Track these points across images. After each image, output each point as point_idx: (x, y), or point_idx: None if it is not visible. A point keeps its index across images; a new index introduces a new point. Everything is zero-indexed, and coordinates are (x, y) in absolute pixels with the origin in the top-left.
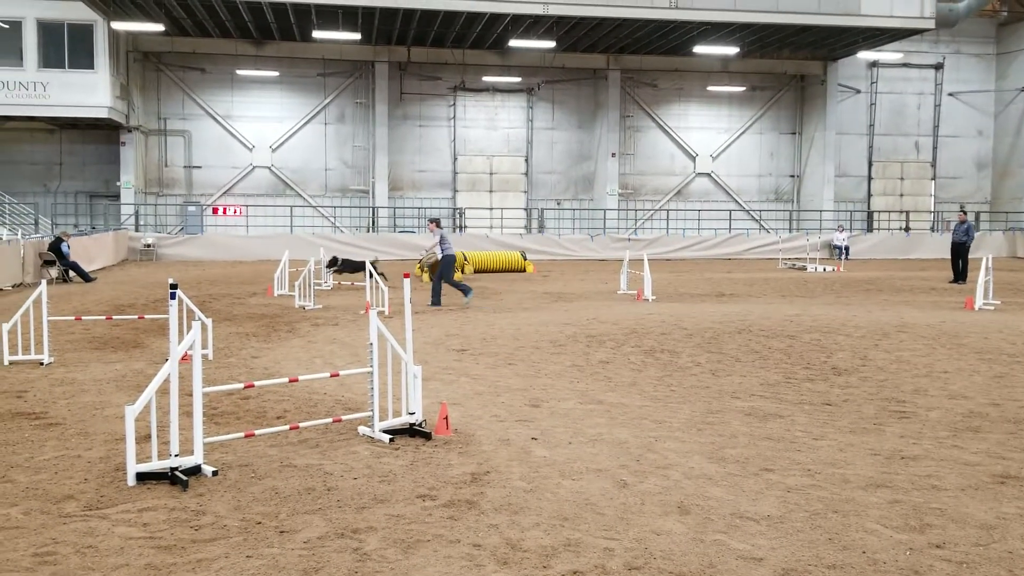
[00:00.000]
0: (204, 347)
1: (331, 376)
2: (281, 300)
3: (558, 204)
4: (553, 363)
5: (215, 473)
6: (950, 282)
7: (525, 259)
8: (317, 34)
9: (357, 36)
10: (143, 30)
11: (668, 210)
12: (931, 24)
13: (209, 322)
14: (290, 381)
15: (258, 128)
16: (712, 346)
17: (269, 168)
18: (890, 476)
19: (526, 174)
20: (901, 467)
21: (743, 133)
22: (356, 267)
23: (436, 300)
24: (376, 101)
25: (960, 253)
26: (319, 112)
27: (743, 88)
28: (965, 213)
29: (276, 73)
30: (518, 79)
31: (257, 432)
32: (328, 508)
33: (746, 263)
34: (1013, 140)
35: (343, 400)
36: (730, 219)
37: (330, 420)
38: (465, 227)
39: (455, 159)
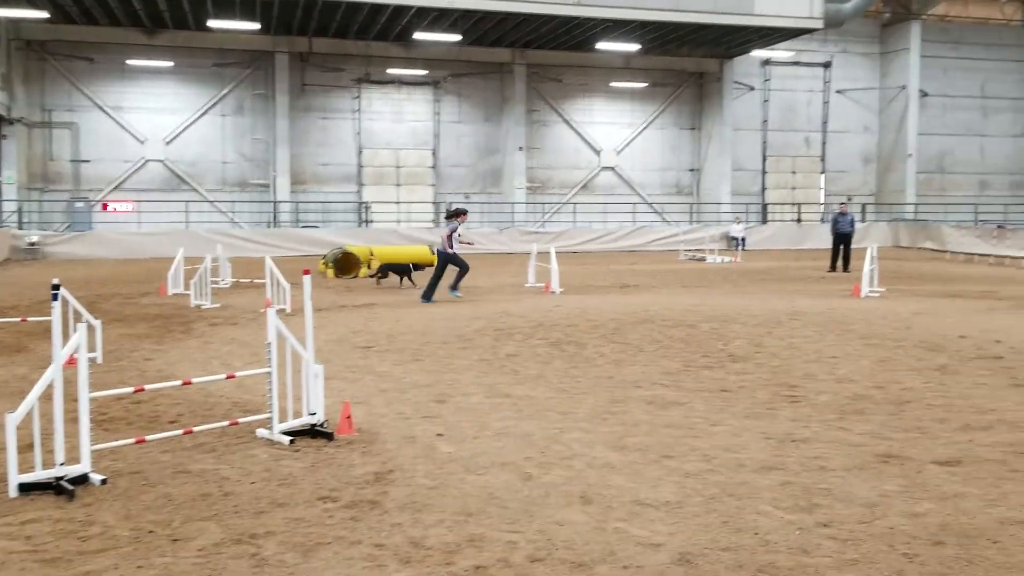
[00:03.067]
0: (92, 350)
1: (228, 377)
2: (176, 299)
3: (466, 197)
4: (460, 358)
5: (104, 481)
6: (828, 271)
7: (433, 253)
8: (213, 23)
9: (256, 26)
10: (25, 17)
11: (575, 203)
12: (820, 24)
13: (98, 324)
14: (184, 384)
15: (151, 120)
16: (616, 337)
17: (163, 162)
18: (782, 459)
19: (433, 167)
20: (792, 450)
21: (646, 128)
22: (401, 270)
23: (428, 293)
24: (276, 92)
25: (844, 243)
26: (216, 104)
27: (645, 84)
28: (846, 204)
29: (170, 63)
30: (424, 72)
31: (149, 438)
32: (224, 514)
33: (650, 255)
34: (896, 136)
35: (241, 402)
36: (634, 212)
37: (227, 423)
38: (371, 221)
39: (360, 152)
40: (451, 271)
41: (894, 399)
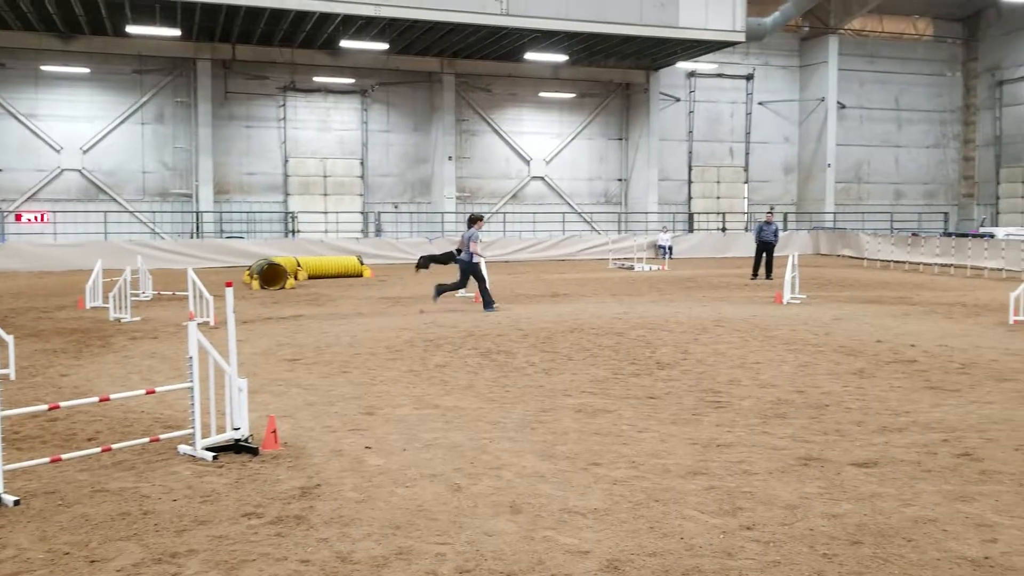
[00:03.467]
0: (4, 366)
1: (148, 393)
2: (94, 313)
3: (395, 207)
4: (389, 369)
5: (17, 503)
6: (751, 279)
7: (362, 264)
8: (131, 29)
9: (177, 32)
10: None
11: (505, 213)
12: (742, 37)
13: (10, 339)
14: (101, 400)
15: (67, 128)
16: (546, 346)
17: (80, 171)
18: (706, 463)
19: (362, 177)
20: (716, 454)
21: (574, 138)
22: (443, 259)
23: (489, 301)
24: (199, 100)
25: (767, 251)
26: (135, 111)
27: (573, 95)
28: (771, 214)
29: (87, 70)
30: (351, 80)
31: (65, 456)
32: (144, 533)
33: (579, 264)
34: (815, 146)
35: (162, 418)
36: (564, 221)
37: (147, 440)
38: (298, 232)
39: (286, 161)
40: (445, 272)
41: (814, 403)
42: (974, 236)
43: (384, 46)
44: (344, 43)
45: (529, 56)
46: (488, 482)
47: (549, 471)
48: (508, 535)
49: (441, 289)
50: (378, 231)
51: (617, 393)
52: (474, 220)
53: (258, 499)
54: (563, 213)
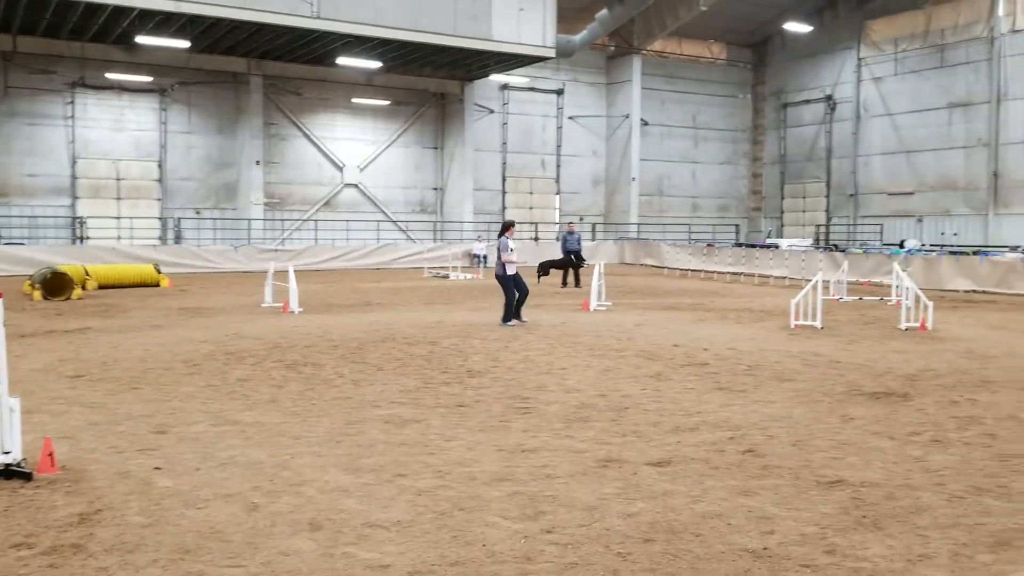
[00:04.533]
0: None
1: None
2: None
3: (197, 213)
4: (185, 384)
5: None
6: (561, 287)
7: (159, 272)
8: None
9: None
10: None
11: (316, 220)
12: (552, 53)
13: None
14: None
15: None
16: (356, 356)
17: None
18: (512, 469)
19: (160, 180)
20: (522, 460)
21: (390, 146)
22: (562, 264)
23: (516, 313)
24: None
25: (573, 260)
26: None
27: (388, 102)
28: (574, 224)
29: None
30: (149, 78)
31: None
32: None
33: (394, 273)
34: (621, 161)
35: None
36: (378, 230)
37: None
38: (87, 238)
39: (74, 162)
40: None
41: (615, 406)
42: (761, 247)
43: (186, 44)
44: (141, 39)
45: (342, 61)
46: (288, 499)
47: (353, 485)
48: (306, 553)
49: (512, 312)
50: (178, 238)
51: (427, 403)
52: (507, 227)
53: (30, 528)
54: (378, 221)
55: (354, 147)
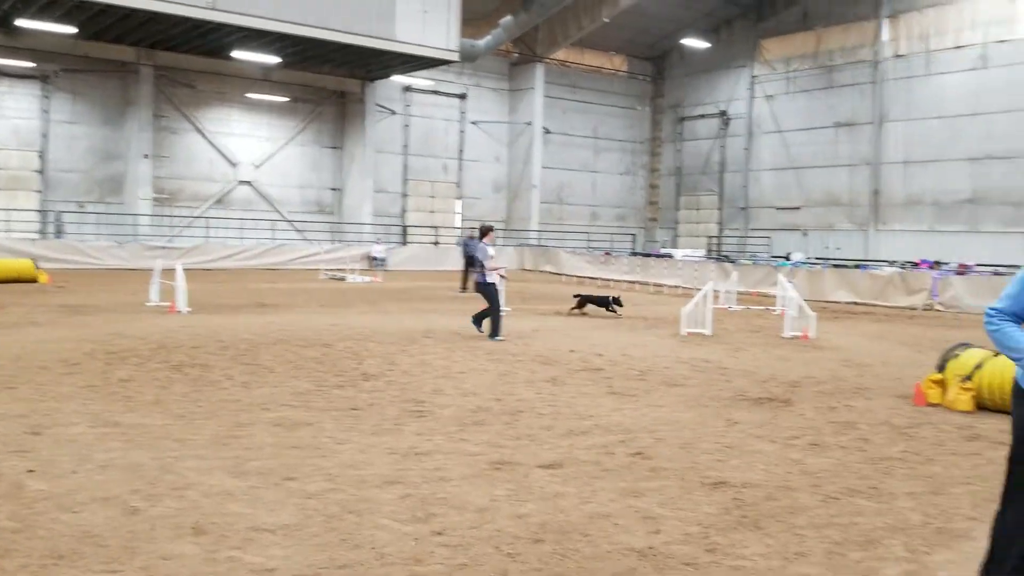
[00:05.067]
0: None
1: None
2: None
3: (81, 207)
4: (63, 385)
5: None
6: (460, 291)
7: (38, 268)
8: None
9: None
10: None
11: (208, 218)
12: (455, 57)
13: None
14: None
15: None
16: (247, 358)
17: None
18: (403, 472)
19: (40, 172)
20: (414, 463)
21: (287, 144)
22: (601, 302)
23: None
24: None
25: (473, 265)
26: None
27: (286, 99)
28: (473, 230)
29: None
30: (31, 64)
31: None
32: None
33: (290, 274)
34: (522, 167)
35: None
36: (273, 229)
37: None
38: None
39: None
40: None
41: (510, 409)
42: (657, 256)
43: (72, 29)
44: (22, 22)
45: (238, 54)
46: (170, 503)
47: (239, 488)
48: (188, 558)
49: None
50: (59, 232)
51: (319, 406)
52: (485, 232)
53: None
54: (273, 221)
55: (249, 144)
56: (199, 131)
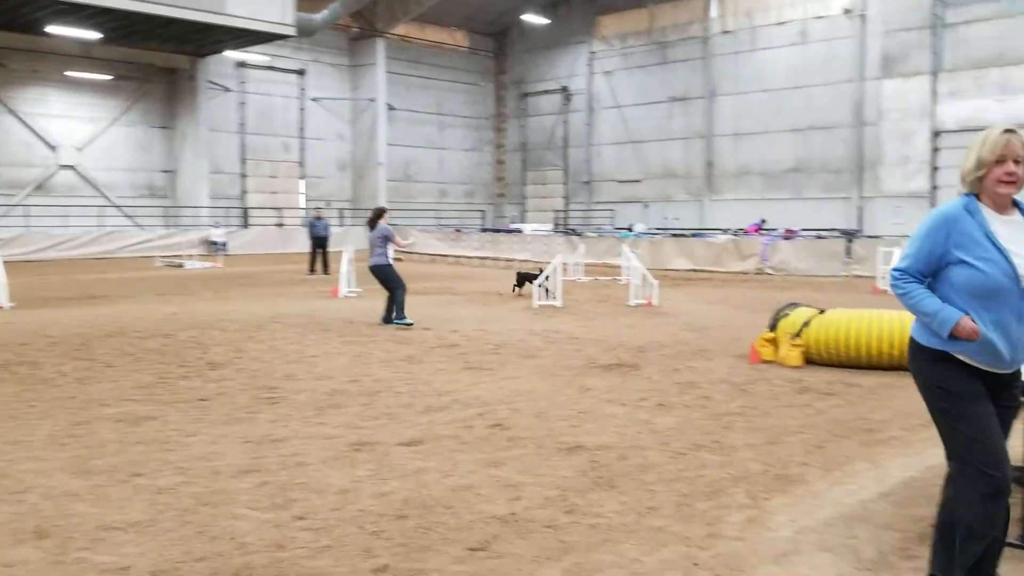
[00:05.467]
0: None
1: None
2: None
3: None
4: None
5: None
6: (308, 274)
7: None
8: None
9: None
10: None
11: (28, 206)
12: (292, 31)
13: None
14: None
15: None
16: (81, 353)
17: None
18: (259, 460)
19: None
20: (270, 450)
21: (112, 125)
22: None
23: (401, 314)
24: None
25: (321, 247)
26: None
27: (109, 77)
28: (320, 210)
29: None
30: None
31: None
32: None
33: (121, 262)
34: (368, 145)
35: None
36: (101, 216)
37: None
38: None
39: None
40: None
41: (367, 390)
42: (506, 232)
43: None
44: None
45: (53, 30)
46: (7, 508)
47: (83, 488)
48: (33, 563)
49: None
50: None
51: (164, 398)
52: (381, 213)
53: None
54: (100, 207)
55: (70, 125)
56: (12, 113)
